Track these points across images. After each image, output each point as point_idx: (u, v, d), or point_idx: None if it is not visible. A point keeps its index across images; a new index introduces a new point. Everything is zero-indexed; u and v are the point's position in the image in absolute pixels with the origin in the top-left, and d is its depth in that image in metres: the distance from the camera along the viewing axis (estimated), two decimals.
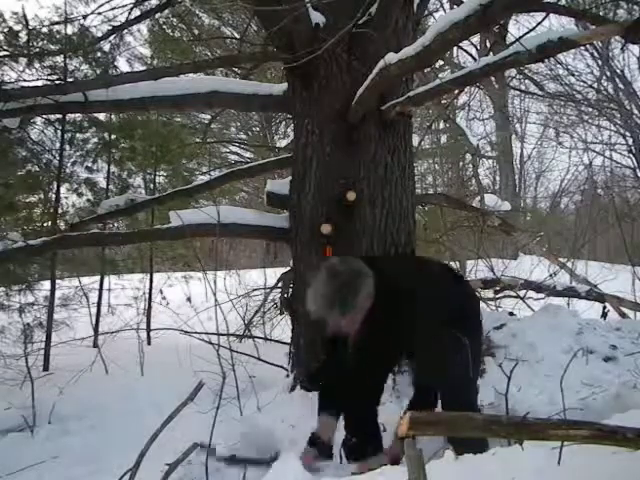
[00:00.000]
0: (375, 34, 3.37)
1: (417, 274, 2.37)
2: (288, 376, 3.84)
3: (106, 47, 5.79)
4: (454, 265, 7.04)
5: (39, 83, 4.40)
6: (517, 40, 2.65)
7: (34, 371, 4.17)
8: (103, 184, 6.63)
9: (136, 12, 4.98)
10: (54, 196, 5.83)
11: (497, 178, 16.22)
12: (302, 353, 3.64)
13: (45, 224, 5.97)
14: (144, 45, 7.79)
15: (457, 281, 2.51)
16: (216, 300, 3.24)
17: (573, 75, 9.95)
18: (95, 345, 5.75)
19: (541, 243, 6.30)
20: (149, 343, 6.19)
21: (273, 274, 6.54)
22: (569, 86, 9.53)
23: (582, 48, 9.21)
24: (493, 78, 7.79)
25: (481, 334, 2.56)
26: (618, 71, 10.01)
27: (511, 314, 4.26)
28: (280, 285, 5.96)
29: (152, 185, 7.08)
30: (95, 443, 3.33)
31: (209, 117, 8.38)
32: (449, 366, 2.17)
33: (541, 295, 4.96)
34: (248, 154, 12.66)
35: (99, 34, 5.12)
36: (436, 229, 6.51)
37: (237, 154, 13.13)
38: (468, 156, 11.08)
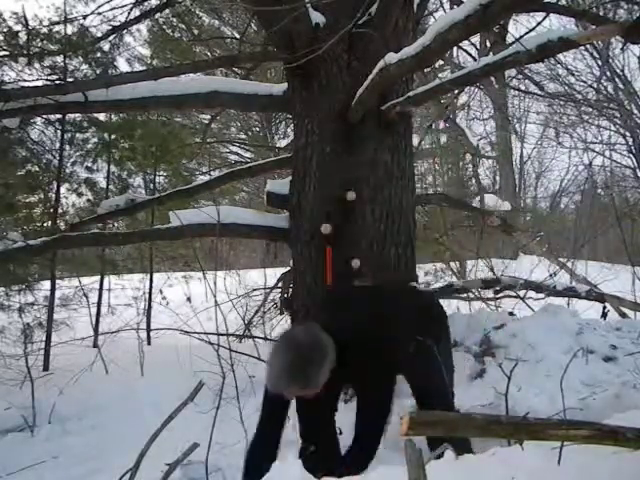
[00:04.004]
0: (375, 34, 3.37)
1: (375, 320, 2.23)
2: None
3: (106, 47, 5.80)
4: (454, 264, 7.05)
5: (39, 83, 4.39)
6: (517, 40, 2.65)
7: (34, 371, 4.18)
8: (103, 184, 6.63)
9: (136, 12, 4.99)
10: (54, 196, 5.83)
11: (497, 178, 16.22)
12: None
13: (45, 224, 5.96)
14: (144, 45, 7.79)
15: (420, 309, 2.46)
16: (216, 300, 3.23)
17: (573, 75, 9.95)
18: (95, 345, 5.75)
19: (541, 243, 6.30)
20: (149, 343, 6.18)
21: (273, 274, 6.52)
22: (569, 86, 9.52)
23: (582, 48, 9.21)
24: (493, 78, 7.80)
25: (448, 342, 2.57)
26: (618, 71, 10.02)
27: (511, 314, 4.26)
28: (280, 285, 5.95)
29: (152, 185, 7.07)
30: (95, 443, 3.33)
31: (209, 117, 8.37)
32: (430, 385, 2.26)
33: (541, 295, 4.96)
34: (248, 154, 12.66)
35: (99, 34, 5.13)
36: (436, 229, 6.51)
37: (237, 154, 13.13)
38: (468, 156, 11.07)
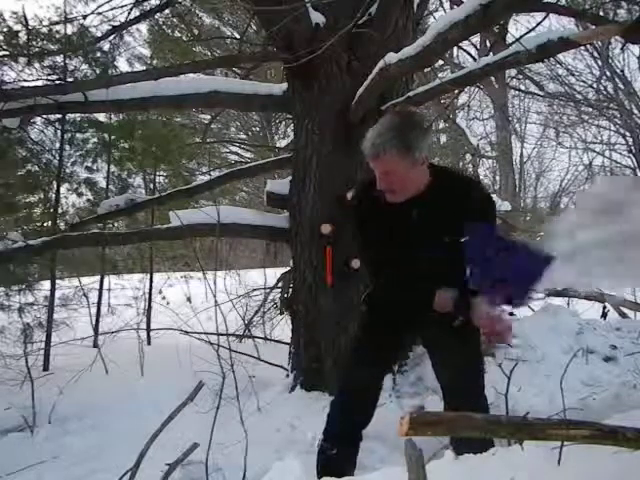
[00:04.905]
0: (375, 34, 3.37)
1: None
2: (288, 376, 3.84)
3: (106, 47, 5.81)
4: None
5: (39, 83, 4.40)
6: (517, 40, 2.65)
7: (34, 371, 4.17)
8: (103, 184, 6.64)
9: (136, 12, 4.98)
10: (54, 196, 5.83)
11: (497, 178, 16.20)
12: (302, 353, 3.64)
13: (45, 224, 5.97)
14: (144, 45, 7.81)
15: None
16: (216, 300, 3.23)
17: (573, 75, 9.94)
18: (95, 345, 5.75)
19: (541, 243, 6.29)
20: (149, 343, 6.19)
21: (273, 274, 6.52)
22: (569, 86, 9.53)
23: (582, 48, 9.20)
24: (493, 78, 7.81)
25: None
26: (618, 71, 10.00)
27: (511, 314, 4.26)
28: (280, 285, 5.95)
29: (152, 185, 7.08)
30: (95, 443, 3.33)
31: (209, 117, 8.37)
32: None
33: (541, 295, 4.96)
34: (248, 154, 12.65)
35: (99, 34, 5.12)
36: None
37: (237, 154, 13.12)
38: (468, 156, 11.08)
